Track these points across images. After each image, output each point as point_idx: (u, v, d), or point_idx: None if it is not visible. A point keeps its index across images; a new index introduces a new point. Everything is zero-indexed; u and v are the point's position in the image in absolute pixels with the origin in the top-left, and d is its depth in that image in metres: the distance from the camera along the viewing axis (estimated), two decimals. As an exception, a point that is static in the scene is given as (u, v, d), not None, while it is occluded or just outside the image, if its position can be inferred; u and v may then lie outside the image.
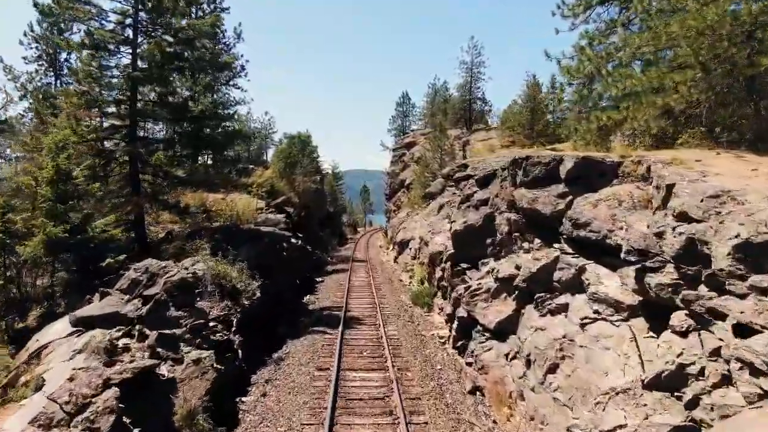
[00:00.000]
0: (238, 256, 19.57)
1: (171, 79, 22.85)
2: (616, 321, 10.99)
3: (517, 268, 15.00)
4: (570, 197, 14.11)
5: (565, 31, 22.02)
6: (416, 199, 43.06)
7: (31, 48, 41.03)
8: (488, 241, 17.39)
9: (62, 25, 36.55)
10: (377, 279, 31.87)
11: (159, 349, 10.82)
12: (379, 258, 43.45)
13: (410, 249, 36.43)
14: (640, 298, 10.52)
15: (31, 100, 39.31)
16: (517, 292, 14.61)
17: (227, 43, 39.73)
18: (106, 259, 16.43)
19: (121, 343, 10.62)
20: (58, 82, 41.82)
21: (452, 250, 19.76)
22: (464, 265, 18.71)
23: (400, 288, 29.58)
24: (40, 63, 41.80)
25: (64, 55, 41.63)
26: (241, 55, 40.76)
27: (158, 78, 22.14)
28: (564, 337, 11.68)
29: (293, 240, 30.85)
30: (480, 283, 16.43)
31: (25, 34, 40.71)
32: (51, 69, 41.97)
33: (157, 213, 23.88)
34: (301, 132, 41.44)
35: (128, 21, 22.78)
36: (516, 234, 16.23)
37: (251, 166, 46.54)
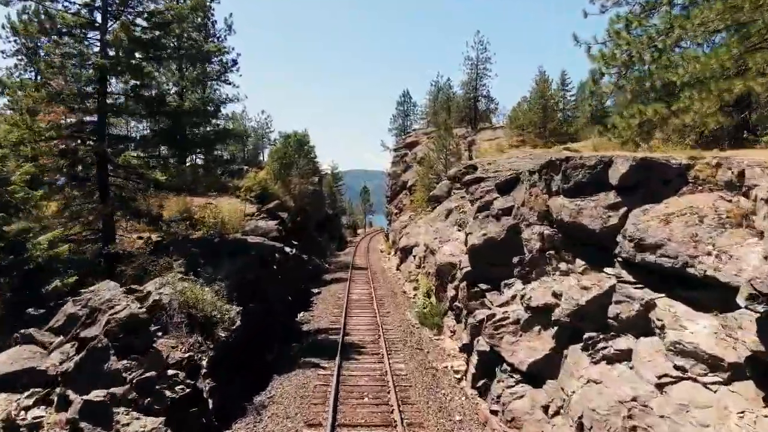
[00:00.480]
0: (217, 274, 16.53)
1: (145, 69, 19.77)
2: (711, 384, 7.95)
3: (555, 295, 11.95)
4: (624, 209, 11.07)
5: (595, 14, 19.00)
6: (420, 202, 40.01)
7: (9, 41, 37.89)
8: (515, 260, 14.33)
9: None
10: (379, 291, 28.83)
11: (83, 424, 7.81)
12: (380, 265, 40.39)
13: (414, 256, 33.39)
14: (748, 353, 7.49)
15: (8, 97, 36.25)
16: (556, 328, 11.56)
17: (218, 35, 36.68)
18: (54, 281, 13.38)
19: (30, 416, 7.65)
20: (39, 77, 38.72)
21: (468, 267, 16.70)
22: (483, 286, 15.66)
23: (405, 302, 26.53)
24: (19, 57, 38.70)
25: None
26: (232, 48, 37.65)
27: (129, 67, 19.07)
28: (634, 400, 8.62)
29: (287, 249, 27.82)
30: (506, 312, 13.38)
31: (3, 27, 37.61)
32: (30, 64, 38.83)
33: (131, 222, 20.82)
34: (297, 131, 38.55)
35: (97, 3, 19.75)
36: (550, 252, 13.18)
37: (246, 167, 43.53)
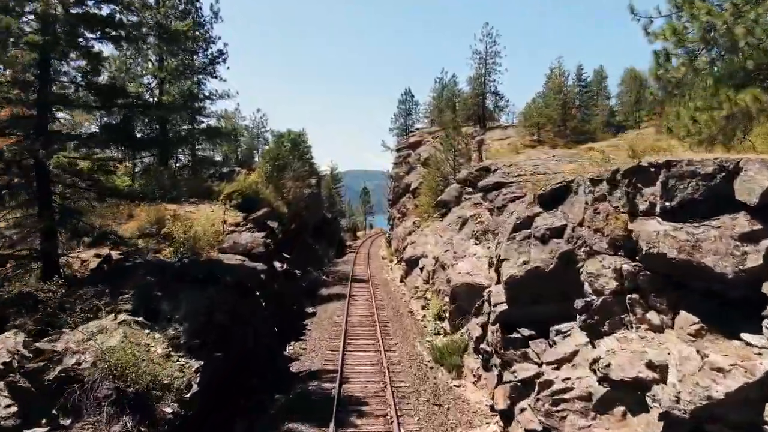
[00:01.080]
0: (177, 312, 12.52)
1: (94, 50, 15.74)
2: None
3: (653, 367, 7.92)
4: (770, 242, 7.04)
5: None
6: (426, 207, 35.97)
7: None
8: (577, 303, 10.28)
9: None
10: (382, 311, 24.83)
11: None
12: (382, 276, 36.36)
13: (421, 269, 29.39)
14: None
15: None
16: (662, 422, 7.52)
17: (202, 23, 32.60)
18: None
19: None
20: None
21: (504, 304, 12.61)
22: (525, 332, 11.62)
23: (413, 326, 22.54)
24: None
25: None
26: (218, 38, 33.57)
27: (71, 46, 15.04)
28: None
29: (277, 264, 23.81)
30: (568, 379, 9.36)
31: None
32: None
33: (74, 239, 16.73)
34: (291, 130, 34.54)
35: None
36: (632, 296, 9.16)
37: (238, 169, 39.51)
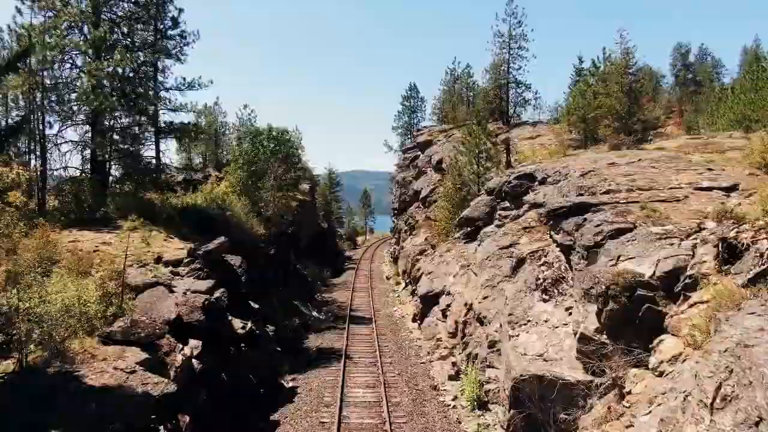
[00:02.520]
0: None
1: None
2: None
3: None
4: None
5: None
6: (444, 224, 27.51)
7: None
8: None
9: None
10: (393, 386, 16.44)
11: None
12: (389, 310, 27.86)
13: (444, 314, 21.07)
14: None
15: None
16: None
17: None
18: None
19: None
20: None
21: None
22: None
23: (441, 414, 14.14)
24: None
25: None
26: (180, 10, 25.02)
27: None
28: None
29: (237, 323, 15.33)
30: None
31: None
32: None
33: None
34: (272, 125, 26.02)
35: None
36: None
37: (211, 175, 30.97)
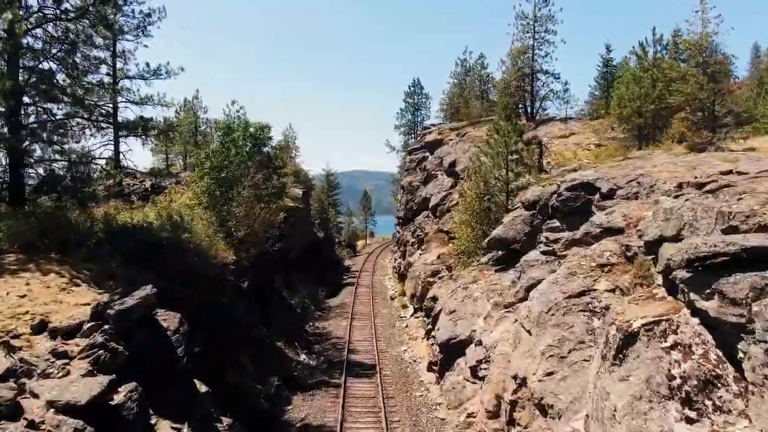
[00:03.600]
0: None
1: None
2: None
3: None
4: None
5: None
6: (465, 243, 21.52)
7: None
8: None
9: None
10: None
11: None
12: (396, 352, 21.90)
13: (473, 373, 15.16)
14: None
15: None
16: None
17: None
18: None
19: None
20: None
21: None
22: None
23: None
24: None
25: None
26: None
27: None
28: None
29: None
30: None
31: None
32: None
33: None
34: (248, 120, 19.93)
35: None
36: None
37: (175, 181, 24.89)
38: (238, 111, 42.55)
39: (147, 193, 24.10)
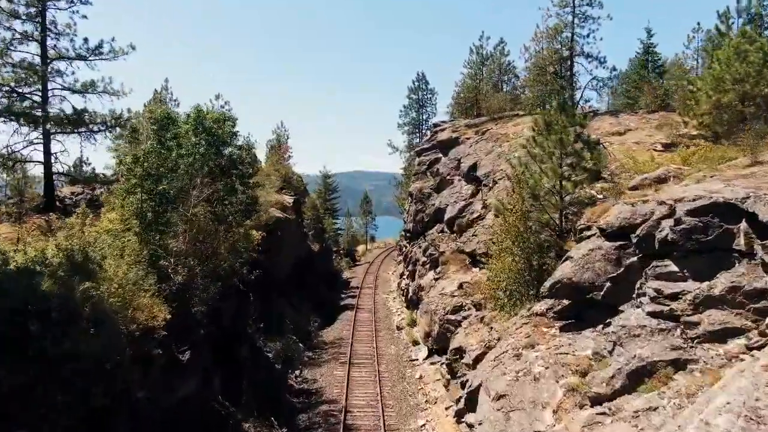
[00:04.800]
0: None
1: None
2: None
3: None
4: None
5: None
6: (505, 279, 15.17)
7: None
8: None
9: None
10: None
11: None
12: (412, 427, 15.57)
13: None
14: None
15: None
16: None
17: None
18: None
19: None
20: None
21: None
22: None
23: None
24: None
25: None
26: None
27: None
28: None
29: None
30: None
31: None
32: None
33: None
34: (201, 108, 13.60)
35: None
36: None
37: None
38: (223, 107, 36.32)
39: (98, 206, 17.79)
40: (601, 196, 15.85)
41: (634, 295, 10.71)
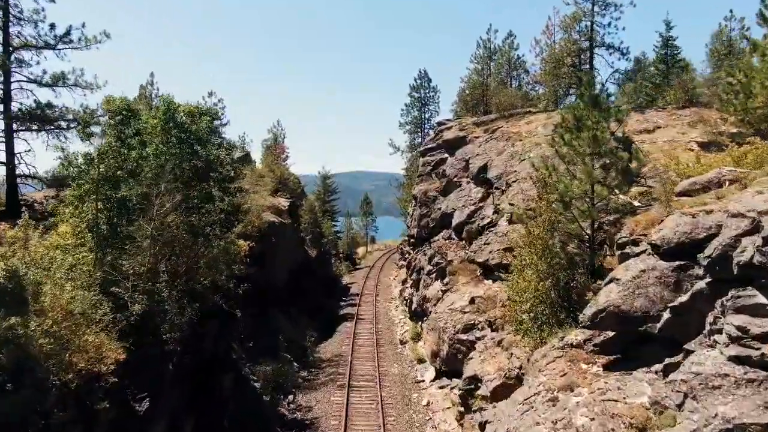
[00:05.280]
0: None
1: None
2: None
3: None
4: None
5: None
6: (530, 299, 12.88)
7: None
8: None
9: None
10: None
11: None
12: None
13: None
14: None
15: None
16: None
17: None
18: None
19: None
20: None
21: None
22: None
23: None
24: None
25: None
26: None
27: None
28: None
29: None
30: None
31: None
32: None
33: None
34: (173, 100, 11.41)
35: None
36: None
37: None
38: (216, 104, 33.84)
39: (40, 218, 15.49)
40: (637, 203, 13.66)
41: (706, 331, 8.44)
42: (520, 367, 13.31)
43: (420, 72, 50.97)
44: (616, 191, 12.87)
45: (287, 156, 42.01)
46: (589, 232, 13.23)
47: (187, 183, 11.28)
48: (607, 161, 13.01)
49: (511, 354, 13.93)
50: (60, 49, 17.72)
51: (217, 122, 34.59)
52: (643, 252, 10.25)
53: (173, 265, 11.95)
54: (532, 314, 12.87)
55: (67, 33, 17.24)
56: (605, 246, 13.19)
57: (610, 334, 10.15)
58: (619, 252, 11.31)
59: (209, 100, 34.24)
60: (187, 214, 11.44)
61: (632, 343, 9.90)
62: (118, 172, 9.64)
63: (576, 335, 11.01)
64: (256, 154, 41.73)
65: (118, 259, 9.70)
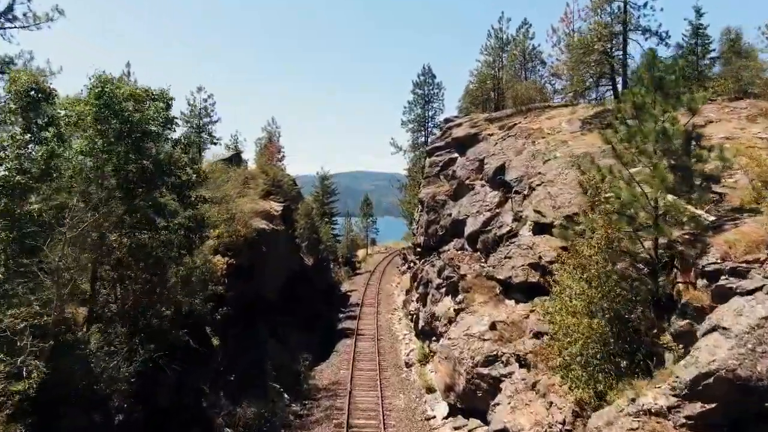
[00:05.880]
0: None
1: None
2: None
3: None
4: None
5: None
6: (580, 344, 9.79)
7: None
8: None
9: None
10: None
11: None
12: None
13: None
14: None
15: None
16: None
17: None
18: None
19: None
20: None
21: None
22: None
23: None
24: None
25: None
26: None
27: None
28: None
29: None
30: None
31: None
32: None
33: None
34: (110, 79, 8.61)
35: None
36: None
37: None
38: (206, 101, 30.76)
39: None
40: (704, 213, 10.63)
41: None
42: (564, 422, 10.32)
43: (423, 68, 47.80)
44: (693, 201, 9.86)
45: (283, 156, 38.99)
46: (652, 252, 10.21)
47: (131, 191, 8.26)
48: (679, 161, 10.01)
49: (550, 403, 10.94)
50: (3, 29, 14.68)
51: (206, 119, 31.33)
52: (759, 290, 7.23)
53: (122, 298, 8.94)
54: (581, 358, 9.85)
55: (9, 9, 14.18)
56: (674, 269, 10.15)
57: (712, 405, 7.14)
58: (713, 285, 8.28)
59: (198, 95, 31.28)
60: (133, 234, 8.43)
61: (742, 420, 6.90)
62: (17, 177, 6.64)
63: (655, 398, 7.97)
64: (250, 154, 38.66)
65: (19, 301, 6.66)
